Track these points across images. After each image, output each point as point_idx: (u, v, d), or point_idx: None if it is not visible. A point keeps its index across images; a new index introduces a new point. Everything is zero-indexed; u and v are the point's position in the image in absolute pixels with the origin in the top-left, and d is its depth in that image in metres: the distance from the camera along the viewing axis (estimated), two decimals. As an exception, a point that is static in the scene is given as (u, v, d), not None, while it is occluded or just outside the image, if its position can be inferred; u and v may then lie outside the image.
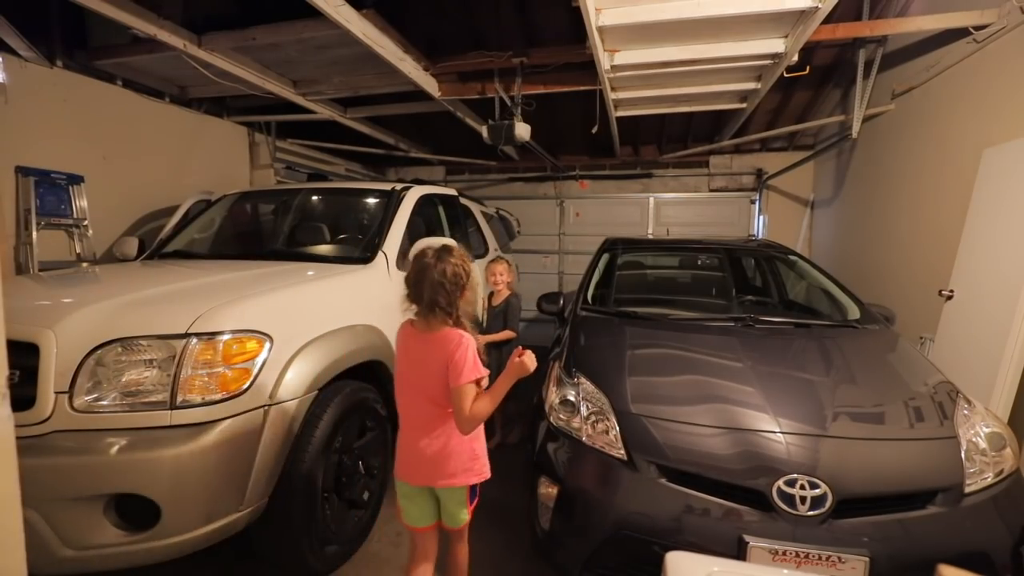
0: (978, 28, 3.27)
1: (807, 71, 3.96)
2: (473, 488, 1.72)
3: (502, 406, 3.69)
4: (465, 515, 1.74)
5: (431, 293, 1.60)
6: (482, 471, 1.71)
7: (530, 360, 1.64)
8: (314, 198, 3.71)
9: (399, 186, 3.42)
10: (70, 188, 3.75)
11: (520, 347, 1.69)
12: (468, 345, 1.59)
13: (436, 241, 1.81)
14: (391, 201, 3.26)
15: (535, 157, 6.52)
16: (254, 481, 1.83)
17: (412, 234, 3.17)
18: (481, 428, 1.72)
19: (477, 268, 1.76)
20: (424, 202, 3.50)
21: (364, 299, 2.63)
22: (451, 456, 1.65)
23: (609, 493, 1.80)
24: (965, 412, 1.98)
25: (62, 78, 3.72)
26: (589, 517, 1.80)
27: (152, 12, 3.18)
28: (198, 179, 4.71)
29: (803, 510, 1.64)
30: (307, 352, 2.08)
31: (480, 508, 2.69)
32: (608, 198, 7.30)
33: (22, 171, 3.49)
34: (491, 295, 3.78)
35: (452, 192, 4.18)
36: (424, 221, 3.59)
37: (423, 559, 1.77)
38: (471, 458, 1.68)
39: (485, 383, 1.64)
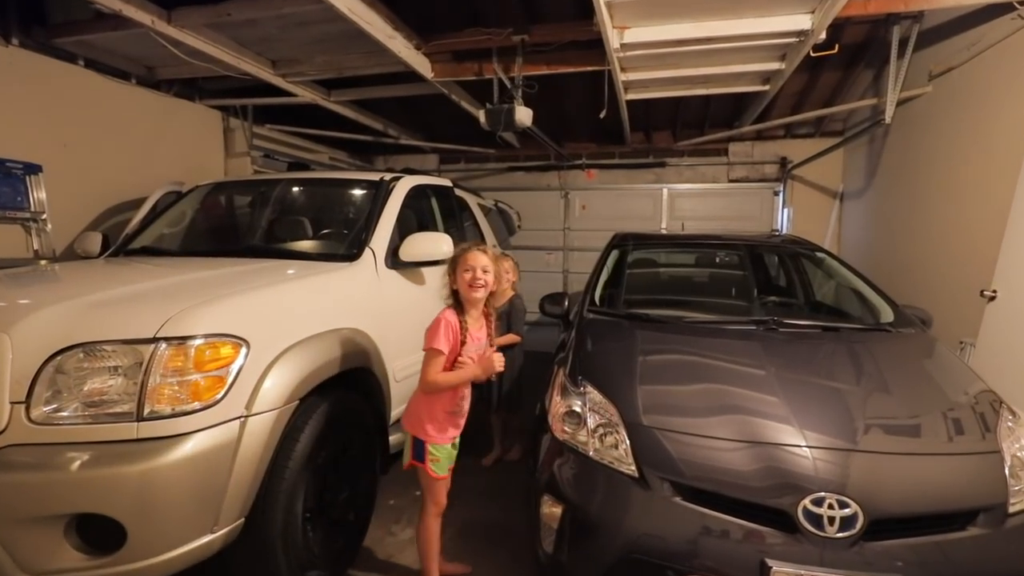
0: (1023, 3, 3.26)
1: (836, 50, 3.95)
2: (417, 445, 2.18)
3: (503, 416, 3.76)
4: (406, 457, 2.23)
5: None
6: (417, 432, 2.18)
7: (498, 361, 2.13)
8: (295, 189, 3.70)
9: (388, 176, 3.42)
10: (27, 178, 3.75)
11: (494, 347, 2.18)
12: (440, 320, 2.10)
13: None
14: (379, 193, 3.26)
15: (537, 144, 6.52)
16: (229, 499, 1.83)
17: (403, 229, 3.17)
18: (434, 406, 2.15)
19: (477, 254, 2.15)
20: (416, 194, 3.51)
21: (350, 300, 2.63)
22: (411, 406, 2.23)
23: (619, 513, 1.80)
24: (1010, 424, 1.98)
25: (18, 57, 3.72)
26: (597, 539, 1.80)
27: (117, -15, 3.19)
28: (167, 168, 4.70)
29: (831, 531, 1.64)
30: (287, 358, 2.08)
31: (479, 529, 2.70)
32: (617, 189, 7.30)
33: (-26, 160, 3.50)
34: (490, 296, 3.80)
35: (446, 183, 4.18)
36: (416, 215, 3.59)
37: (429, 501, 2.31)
38: (418, 419, 2.17)
39: (467, 362, 2.12)
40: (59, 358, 1.74)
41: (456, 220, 4.16)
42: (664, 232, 6.75)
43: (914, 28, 4.15)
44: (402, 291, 2.97)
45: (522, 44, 4.08)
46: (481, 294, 2.15)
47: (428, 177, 3.91)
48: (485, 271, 2.13)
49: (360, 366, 2.53)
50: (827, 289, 3.68)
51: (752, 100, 5.39)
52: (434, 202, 3.91)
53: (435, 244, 2.91)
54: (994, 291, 3.24)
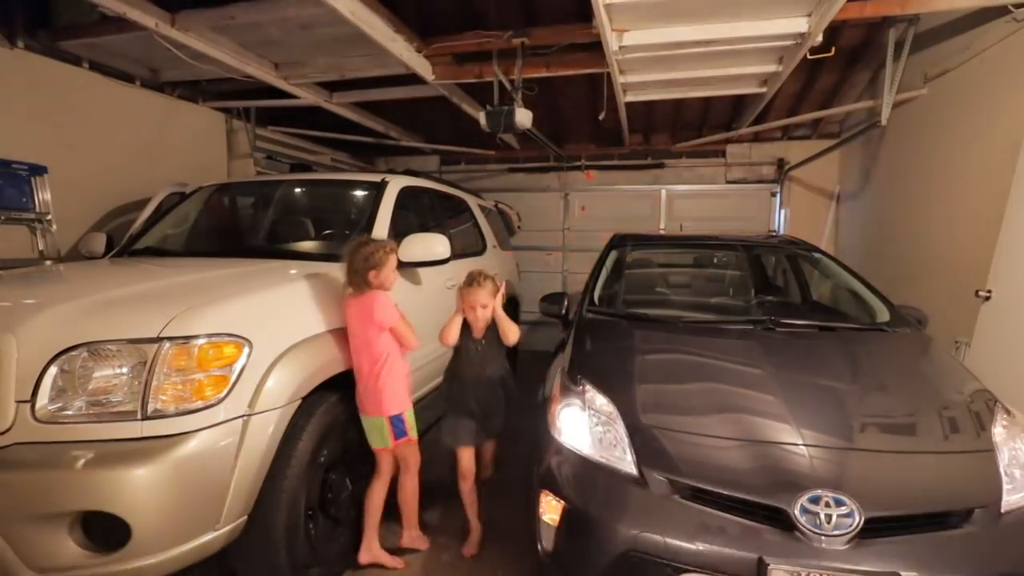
0: (1017, 6, 3.27)
1: (832, 53, 3.95)
2: (394, 422, 2.37)
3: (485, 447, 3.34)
4: (388, 440, 2.38)
5: (351, 274, 2.38)
6: (404, 406, 2.42)
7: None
8: (297, 190, 3.71)
9: (389, 177, 3.43)
10: (32, 179, 3.74)
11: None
12: (380, 296, 2.34)
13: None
14: (379, 194, 3.26)
15: (537, 146, 6.52)
16: (232, 498, 1.83)
17: (401, 229, 3.16)
18: (403, 371, 2.44)
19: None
20: (409, 194, 3.51)
21: (351, 300, 2.63)
22: (372, 393, 2.34)
23: (617, 511, 1.80)
24: (1004, 423, 1.98)
25: (24, 60, 3.72)
26: (596, 537, 1.80)
27: (121, -12, 3.18)
28: (171, 170, 4.70)
29: (828, 529, 1.64)
30: (290, 358, 2.08)
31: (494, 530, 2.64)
32: (616, 190, 7.30)
33: (-20, 161, 3.49)
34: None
35: (431, 184, 4.14)
36: (416, 215, 3.59)
37: (380, 473, 2.48)
38: (401, 394, 2.41)
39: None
40: (64, 357, 1.75)
41: (453, 220, 4.16)
42: (663, 233, 6.76)
43: (910, 31, 4.15)
44: (400, 291, 2.97)
45: (522, 47, 4.08)
46: None
47: (415, 179, 3.88)
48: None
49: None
50: (824, 289, 3.68)
51: (750, 102, 5.38)
52: (431, 203, 3.92)
53: (432, 245, 2.92)
54: (989, 291, 3.24)
